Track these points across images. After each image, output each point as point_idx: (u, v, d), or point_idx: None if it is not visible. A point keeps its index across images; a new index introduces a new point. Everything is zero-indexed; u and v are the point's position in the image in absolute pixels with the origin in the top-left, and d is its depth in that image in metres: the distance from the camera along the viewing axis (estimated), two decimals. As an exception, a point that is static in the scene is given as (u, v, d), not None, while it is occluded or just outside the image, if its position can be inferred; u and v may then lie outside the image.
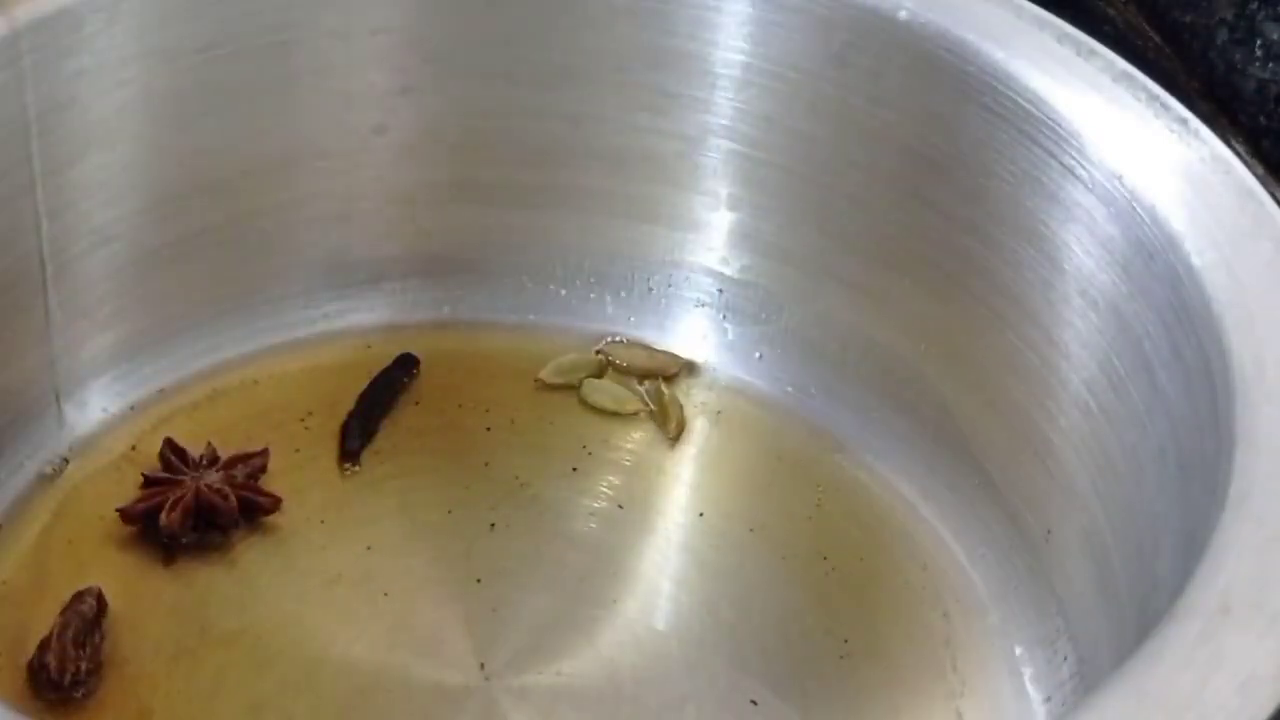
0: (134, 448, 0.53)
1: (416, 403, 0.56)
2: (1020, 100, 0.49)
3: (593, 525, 0.53)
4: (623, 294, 0.58)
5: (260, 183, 0.55)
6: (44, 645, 0.47)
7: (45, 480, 0.52)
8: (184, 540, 0.50)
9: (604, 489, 0.54)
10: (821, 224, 0.55)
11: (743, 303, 0.58)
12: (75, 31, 0.49)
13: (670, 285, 0.58)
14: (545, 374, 0.57)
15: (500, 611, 0.50)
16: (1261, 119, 0.60)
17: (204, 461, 0.52)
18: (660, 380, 0.57)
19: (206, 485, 0.51)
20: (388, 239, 0.58)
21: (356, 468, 0.53)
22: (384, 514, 0.52)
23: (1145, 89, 0.48)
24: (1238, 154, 0.48)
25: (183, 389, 0.55)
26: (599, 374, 0.57)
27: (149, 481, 0.52)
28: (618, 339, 0.58)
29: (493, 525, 0.52)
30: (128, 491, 0.52)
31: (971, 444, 0.54)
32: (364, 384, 0.55)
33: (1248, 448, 0.40)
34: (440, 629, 0.49)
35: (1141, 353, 0.46)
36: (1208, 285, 0.43)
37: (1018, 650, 0.51)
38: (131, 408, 0.54)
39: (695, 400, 0.57)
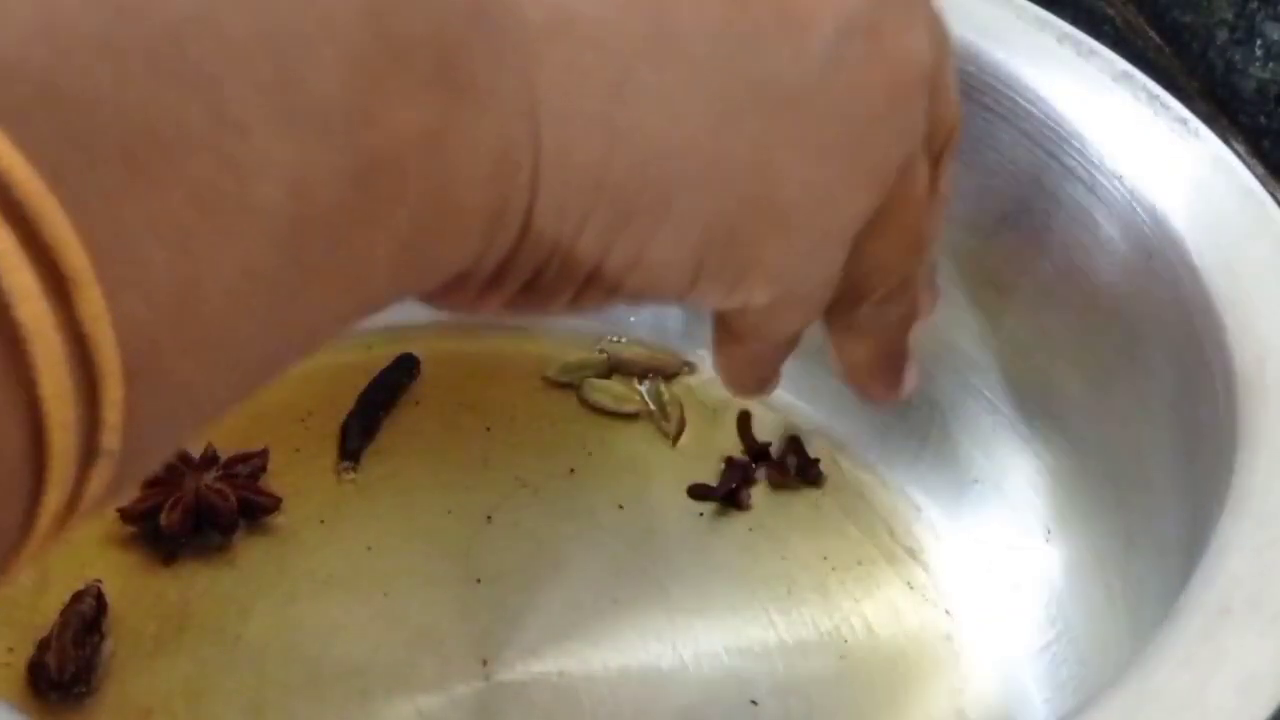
0: (134, 448, 0.53)
1: (416, 403, 0.56)
2: (1020, 100, 0.49)
3: (593, 525, 0.53)
4: (623, 294, 0.58)
5: (260, 183, 0.55)
6: (44, 645, 0.47)
7: (45, 480, 0.52)
8: (184, 540, 0.50)
9: (604, 489, 0.54)
10: (821, 224, 0.55)
11: (743, 303, 0.58)
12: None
13: (670, 285, 0.58)
14: (552, 372, 0.57)
15: (500, 611, 0.50)
16: (1261, 119, 0.60)
17: (204, 461, 0.52)
18: (660, 380, 0.57)
19: (206, 485, 0.51)
20: (388, 239, 0.57)
21: (356, 468, 0.53)
22: (384, 514, 0.52)
23: (1145, 89, 0.48)
24: (1238, 154, 0.48)
25: (183, 389, 0.55)
26: (605, 374, 0.57)
27: (149, 481, 0.52)
28: (618, 339, 0.58)
29: (493, 525, 0.52)
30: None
31: (972, 444, 0.54)
32: (364, 384, 0.55)
33: (1248, 448, 0.40)
34: (440, 629, 0.49)
35: (1142, 353, 0.46)
36: (1208, 285, 0.43)
37: (1018, 650, 0.51)
38: (131, 408, 0.54)
39: (695, 400, 0.57)
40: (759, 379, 0.44)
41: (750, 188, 0.32)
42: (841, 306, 0.40)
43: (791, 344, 0.42)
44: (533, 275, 0.33)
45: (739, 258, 0.34)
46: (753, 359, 0.43)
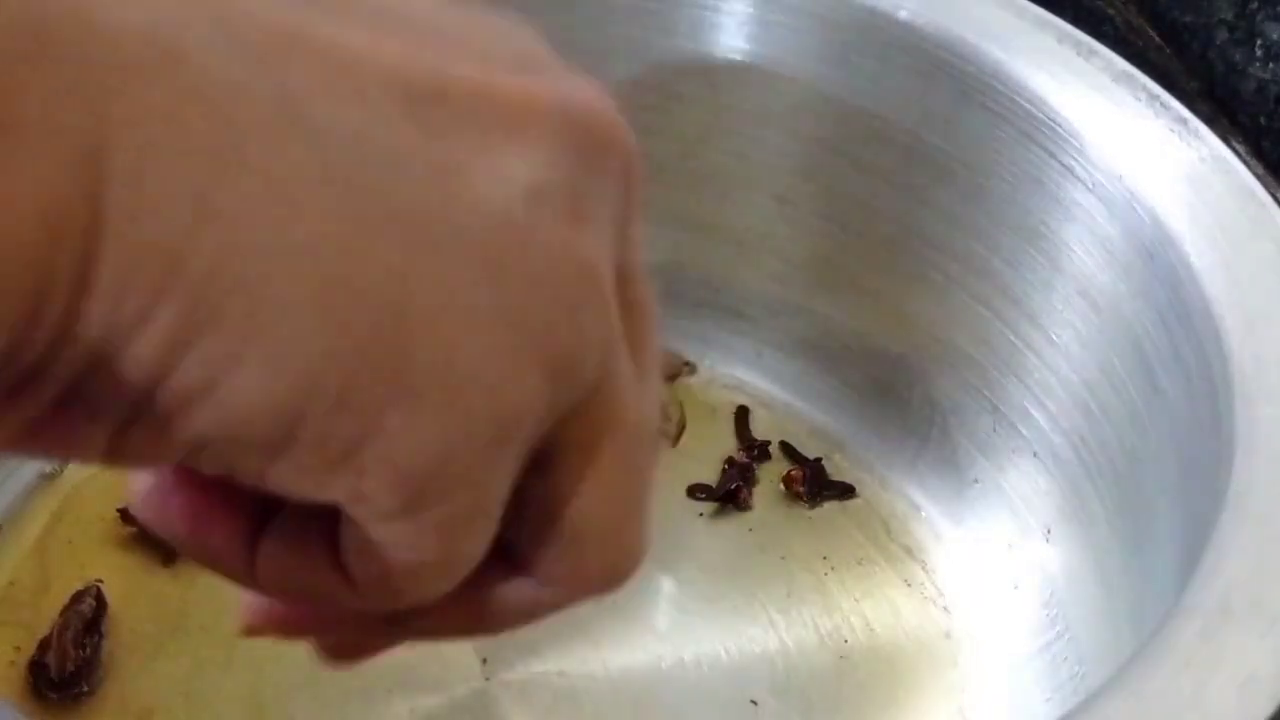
0: (134, 448, 0.53)
1: (416, 403, 0.56)
2: (1020, 100, 0.49)
3: (593, 525, 0.53)
4: (623, 294, 0.58)
5: (260, 183, 0.55)
6: (44, 645, 0.47)
7: (45, 480, 0.52)
8: (184, 540, 0.50)
9: (604, 489, 0.54)
10: (822, 224, 0.55)
11: (743, 303, 0.58)
12: (75, 31, 0.49)
13: (670, 285, 0.58)
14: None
15: (500, 611, 0.50)
16: (1261, 119, 0.60)
17: (204, 461, 0.52)
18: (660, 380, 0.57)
19: (206, 485, 0.51)
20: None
21: (356, 468, 0.53)
22: (384, 514, 0.52)
23: (1145, 89, 0.48)
24: (1238, 154, 0.48)
25: (183, 389, 0.55)
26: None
27: (149, 481, 0.52)
28: (618, 339, 0.58)
29: (493, 525, 0.52)
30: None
31: (972, 444, 0.54)
32: (364, 384, 0.55)
33: (1248, 448, 0.40)
34: (440, 629, 0.49)
35: (1141, 353, 0.46)
36: (1208, 285, 0.43)
37: (1018, 650, 0.51)
38: (131, 408, 0.54)
39: (695, 400, 0.57)
40: (357, 650, 0.31)
41: (377, 329, 0.24)
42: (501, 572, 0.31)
43: (435, 627, 0.31)
44: (66, 389, 0.24)
45: (352, 422, 0.25)
46: (361, 625, 0.31)
